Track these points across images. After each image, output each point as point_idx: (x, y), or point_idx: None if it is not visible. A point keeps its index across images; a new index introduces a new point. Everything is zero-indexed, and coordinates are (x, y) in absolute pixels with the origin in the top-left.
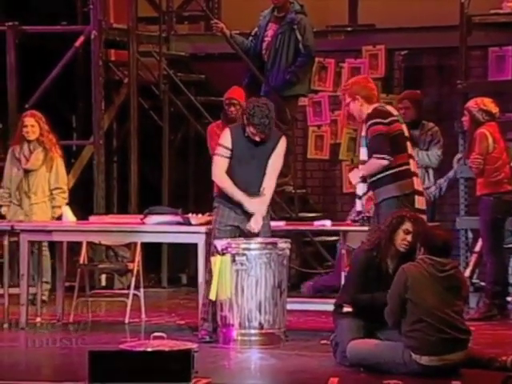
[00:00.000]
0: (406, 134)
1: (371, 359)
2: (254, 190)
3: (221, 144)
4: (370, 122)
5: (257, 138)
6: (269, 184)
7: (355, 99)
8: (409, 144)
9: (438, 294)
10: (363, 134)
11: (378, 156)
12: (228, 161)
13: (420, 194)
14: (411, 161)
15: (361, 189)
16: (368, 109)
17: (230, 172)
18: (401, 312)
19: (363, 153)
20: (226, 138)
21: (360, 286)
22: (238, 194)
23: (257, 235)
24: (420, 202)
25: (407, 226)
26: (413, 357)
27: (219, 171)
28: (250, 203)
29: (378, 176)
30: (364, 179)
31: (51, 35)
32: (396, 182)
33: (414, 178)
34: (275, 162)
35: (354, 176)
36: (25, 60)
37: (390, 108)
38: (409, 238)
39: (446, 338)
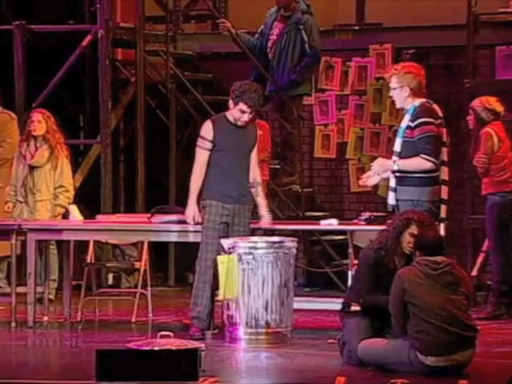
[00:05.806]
0: (444, 139)
1: (381, 359)
2: (243, 190)
3: (201, 136)
4: (421, 120)
5: (245, 118)
6: (258, 173)
7: (403, 88)
8: (444, 150)
9: (436, 292)
10: (402, 124)
11: (427, 158)
12: (209, 153)
13: (445, 203)
14: (443, 167)
15: (393, 181)
16: (413, 101)
17: (220, 169)
18: (404, 317)
19: (398, 143)
20: (207, 129)
21: (369, 285)
22: (192, 196)
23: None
24: (444, 211)
25: (413, 229)
26: (419, 357)
27: (199, 166)
28: (188, 210)
29: (411, 175)
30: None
31: (58, 34)
32: (426, 187)
33: (443, 186)
34: (255, 153)
35: (383, 166)
36: (32, 59)
37: (436, 107)
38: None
39: (451, 338)
